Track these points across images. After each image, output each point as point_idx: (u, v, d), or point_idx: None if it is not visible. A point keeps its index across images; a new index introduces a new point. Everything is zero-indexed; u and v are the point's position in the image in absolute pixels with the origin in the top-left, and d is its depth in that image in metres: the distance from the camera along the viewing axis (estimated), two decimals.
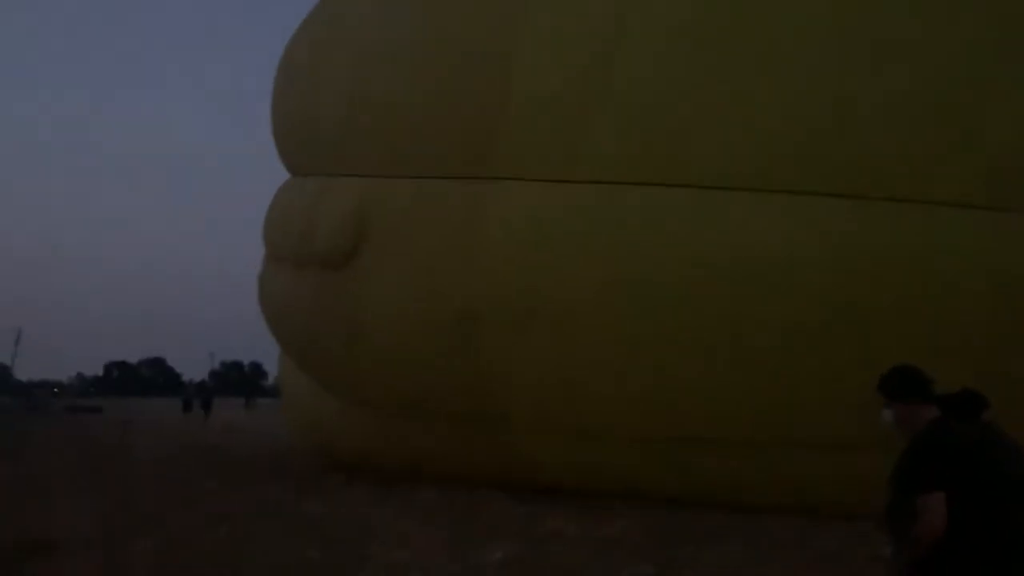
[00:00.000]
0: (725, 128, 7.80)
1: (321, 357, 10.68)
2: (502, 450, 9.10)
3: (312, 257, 10.41)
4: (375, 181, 9.72)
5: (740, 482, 8.15)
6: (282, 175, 12.42)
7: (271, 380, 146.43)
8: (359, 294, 9.69)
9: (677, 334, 7.76)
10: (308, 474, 10.93)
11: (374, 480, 10.07)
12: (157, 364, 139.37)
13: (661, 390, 7.90)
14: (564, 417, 8.60)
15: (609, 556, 5.96)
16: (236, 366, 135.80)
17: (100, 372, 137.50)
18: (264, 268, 12.77)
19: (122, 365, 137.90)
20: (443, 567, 5.62)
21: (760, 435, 7.86)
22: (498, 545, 6.22)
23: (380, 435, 10.36)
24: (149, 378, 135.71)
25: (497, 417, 8.89)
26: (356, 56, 10.11)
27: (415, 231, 9.16)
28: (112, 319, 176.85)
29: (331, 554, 5.91)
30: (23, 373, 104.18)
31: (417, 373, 9.30)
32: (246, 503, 8.47)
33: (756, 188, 7.69)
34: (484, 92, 8.58)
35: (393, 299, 9.34)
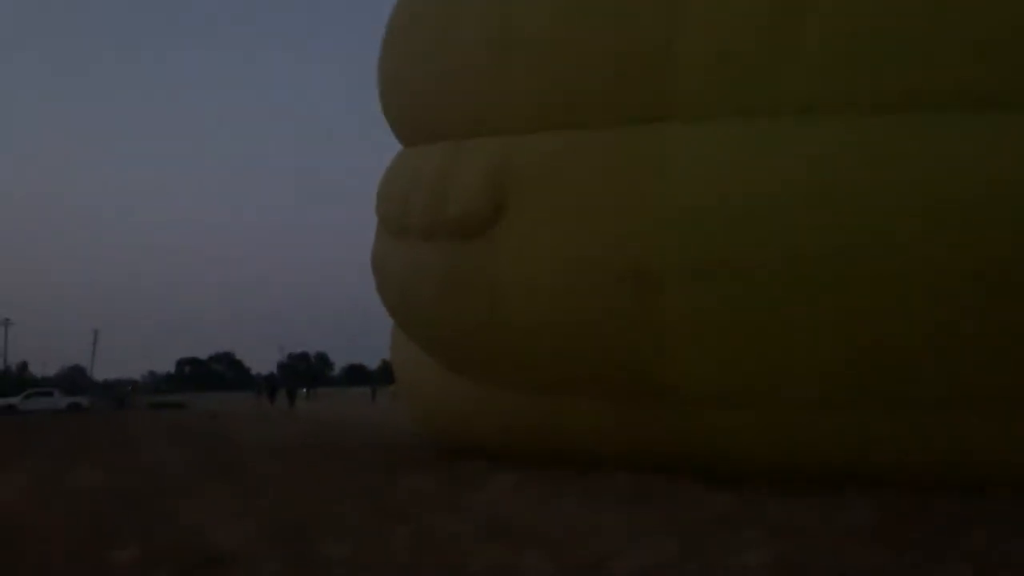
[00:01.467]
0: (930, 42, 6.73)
1: (455, 336, 9.68)
2: (673, 427, 8.04)
3: (443, 226, 9.41)
4: (518, 138, 8.70)
5: (974, 452, 7.02)
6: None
7: (336, 370, 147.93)
8: (502, 261, 8.69)
9: (903, 282, 6.62)
10: (449, 463, 9.98)
11: (523, 466, 9.09)
12: (226, 359, 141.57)
13: (885, 350, 6.78)
14: (753, 385, 7.51)
15: (891, 552, 4.89)
16: (303, 357, 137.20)
17: (172, 369, 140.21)
18: (379, 246, 11.84)
19: (193, 361, 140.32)
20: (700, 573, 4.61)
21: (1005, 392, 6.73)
22: (745, 542, 5.18)
23: (523, 418, 9.33)
24: (220, 373, 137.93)
25: (667, 389, 7.86)
26: None
27: (570, 187, 8.10)
28: (179, 315, 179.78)
29: (551, 560, 4.92)
30: (99, 373, 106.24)
31: (574, 344, 8.27)
32: (408, 496, 7.55)
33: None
34: (656, 20, 7.51)
35: (544, 263, 8.31)
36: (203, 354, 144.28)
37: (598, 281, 7.86)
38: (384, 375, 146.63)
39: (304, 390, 53.38)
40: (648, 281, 7.53)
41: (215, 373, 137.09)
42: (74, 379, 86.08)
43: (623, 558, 4.86)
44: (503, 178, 8.62)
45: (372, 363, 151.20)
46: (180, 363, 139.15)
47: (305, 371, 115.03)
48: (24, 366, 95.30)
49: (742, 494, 6.90)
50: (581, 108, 8.10)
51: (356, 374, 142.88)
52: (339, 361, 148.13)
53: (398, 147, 11.46)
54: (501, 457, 9.84)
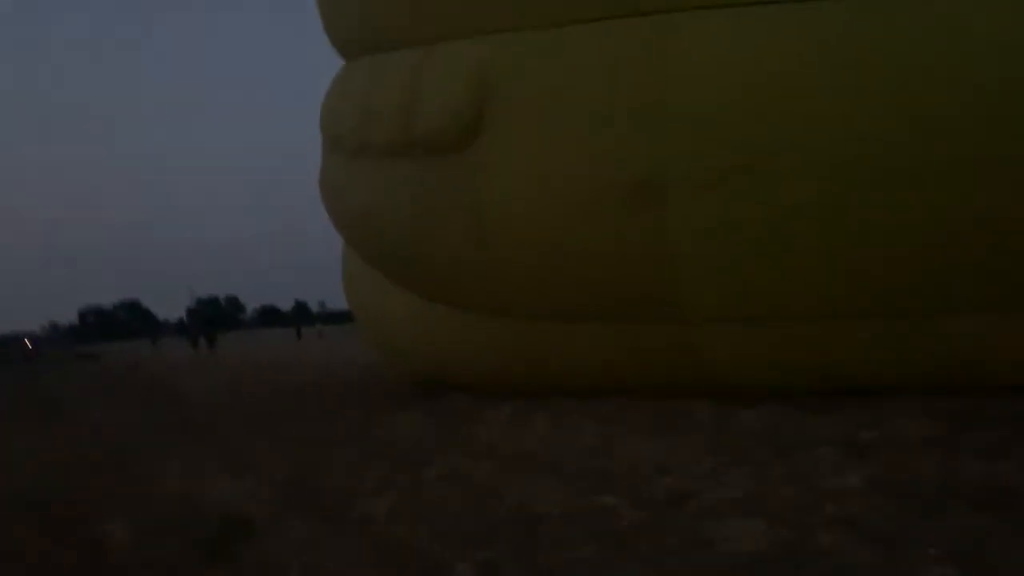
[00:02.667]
0: None
1: (434, 262, 8.88)
2: (680, 349, 7.49)
3: (415, 142, 8.57)
4: (499, 37, 7.86)
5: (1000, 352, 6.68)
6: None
7: (249, 312, 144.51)
8: (487, 177, 7.90)
9: (949, 176, 6.12)
10: (428, 398, 9.29)
11: (510, 398, 8.49)
12: (133, 307, 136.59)
13: (930, 251, 6.31)
14: (771, 299, 6.98)
15: (985, 462, 4.46)
16: (213, 301, 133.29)
17: (75, 320, 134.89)
18: (330, 168, 10.88)
19: (97, 311, 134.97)
20: (796, 500, 4.08)
21: None
22: (822, 462, 4.69)
23: (509, 346, 8.66)
24: (125, 321, 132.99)
25: (675, 308, 7.29)
26: None
27: (565, 90, 7.32)
28: (77, 264, 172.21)
29: (627, 499, 4.33)
30: None
31: (574, 264, 7.59)
32: (410, 437, 6.86)
33: None
34: None
35: (538, 177, 7.55)
36: (107, 302, 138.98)
37: (597, 194, 7.17)
38: (301, 314, 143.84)
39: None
40: (654, 193, 6.87)
41: (121, 322, 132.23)
42: None
43: (705, 491, 4.30)
44: (483, 84, 7.79)
45: (285, 304, 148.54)
46: (83, 313, 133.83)
47: (216, 315, 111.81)
48: None
49: (767, 414, 6.42)
50: (571, 0, 7.29)
51: (270, 316, 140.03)
52: (254, 303, 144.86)
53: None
54: (480, 389, 9.23)
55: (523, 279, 8.04)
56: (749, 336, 7.21)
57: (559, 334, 8.15)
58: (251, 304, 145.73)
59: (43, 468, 6.84)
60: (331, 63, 10.96)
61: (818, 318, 6.81)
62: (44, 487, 6.07)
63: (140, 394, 13.23)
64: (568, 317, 7.98)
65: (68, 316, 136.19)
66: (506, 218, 7.89)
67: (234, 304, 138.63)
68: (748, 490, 4.24)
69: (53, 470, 6.72)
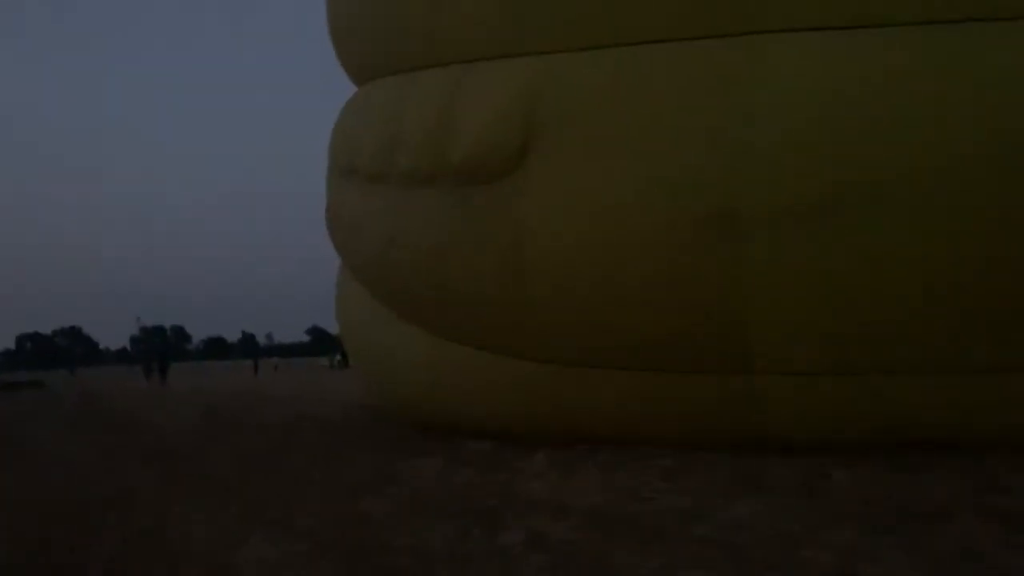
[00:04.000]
0: None
1: (459, 300, 8.19)
2: (743, 400, 6.92)
3: (449, 169, 7.95)
4: (550, 57, 7.31)
5: None
6: None
7: (195, 343, 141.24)
8: (531, 206, 7.29)
9: None
10: (455, 443, 8.51)
11: (534, 443, 7.83)
12: (73, 333, 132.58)
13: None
14: (852, 350, 6.41)
15: None
16: (158, 330, 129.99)
17: (12, 345, 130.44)
18: (342, 196, 10.18)
19: (35, 336, 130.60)
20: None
21: None
22: (981, 532, 4.12)
23: (543, 393, 7.98)
24: (66, 348, 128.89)
25: (745, 355, 6.73)
26: None
27: (629, 114, 6.76)
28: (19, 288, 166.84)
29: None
30: None
31: (629, 304, 6.99)
32: (455, 487, 6.12)
33: None
34: None
35: (591, 207, 6.96)
36: (46, 329, 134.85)
37: (663, 227, 6.60)
38: (247, 347, 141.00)
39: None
40: (729, 226, 6.33)
41: (61, 349, 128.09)
42: None
43: (866, 569, 3.69)
44: (531, 106, 7.21)
45: (232, 336, 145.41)
46: (21, 339, 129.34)
47: (163, 345, 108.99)
48: None
49: (864, 476, 5.84)
50: (636, 19, 6.77)
51: (217, 347, 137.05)
52: (201, 334, 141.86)
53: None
54: (497, 436, 8.52)
55: (565, 320, 7.39)
56: (820, 389, 6.64)
57: (601, 381, 7.50)
58: (197, 335, 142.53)
59: (21, 521, 5.95)
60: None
61: (903, 371, 6.29)
62: (26, 546, 5.20)
63: (114, 429, 12.19)
64: (615, 363, 7.32)
65: (3, 342, 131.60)
66: (549, 252, 7.27)
67: (180, 334, 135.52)
68: (919, 568, 3.64)
69: (32, 521, 5.83)
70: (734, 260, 6.38)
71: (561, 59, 7.16)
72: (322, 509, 5.79)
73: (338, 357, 45.63)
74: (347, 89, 10.72)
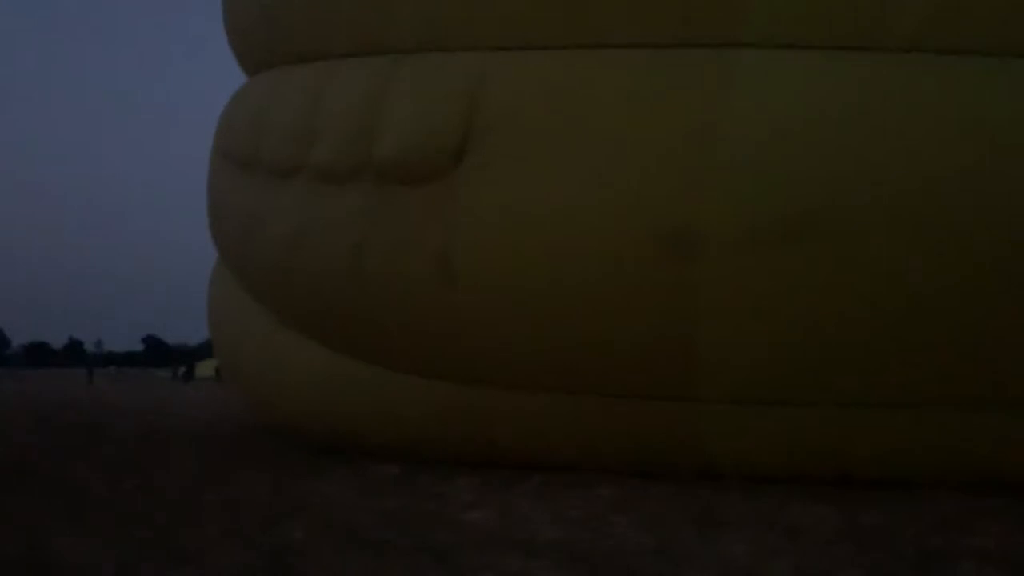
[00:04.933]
0: None
1: (370, 312, 7.48)
2: (683, 427, 6.52)
3: (366, 167, 7.26)
4: (496, 54, 6.77)
5: None
6: None
7: (13, 347, 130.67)
8: (463, 215, 6.75)
9: None
10: (355, 464, 7.68)
11: (451, 466, 7.20)
12: None
13: (1003, 340, 5.73)
14: (809, 379, 6.14)
15: None
16: None
17: None
18: (230, 196, 9.24)
19: None
20: None
21: None
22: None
23: (464, 416, 7.35)
24: None
25: (693, 381, 6.36)
26: None
27: (583, 120, 6.30)
28: None
29: None
30: None
31: (565, 323, 6.52)
32: (387, 518, 5.37)
33: None
34: None
35: (533, 217, 6.47)
36: None
37: (614, 241, 6.18)
38: (72, 354, 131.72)
39: None
40: (687, 245, 5.97)
41: None
42: None
43: None
44: (473, 105, 6.65)
45: (57, 342, 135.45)
46: None
47: None
48: None
49: (820, 506, 5.57)
50: (598, 19, 6.34)
51: (39, 353, 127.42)
52: (21, 338, 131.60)
53: None
54: (389, 455, 7.83)
55: (495, 337, 6.82)
56: (767, 421, 6.37)
57: (530, 404, 6.96)
58: (16, 339, 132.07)
59: None
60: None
61: (855, 403, 6.09)
62: None
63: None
64: (549, 385, 6.81)
65: None
66: (482, 263, 6.70)
67: None
68: None
69: None
70: (686, 281, 6.00)
71: (508, 56, 6.65)
72: (228, 539, 4.94)
73: (183, 369, 43.05)
74: None
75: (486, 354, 6.88)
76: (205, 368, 45.22)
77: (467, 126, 6.63)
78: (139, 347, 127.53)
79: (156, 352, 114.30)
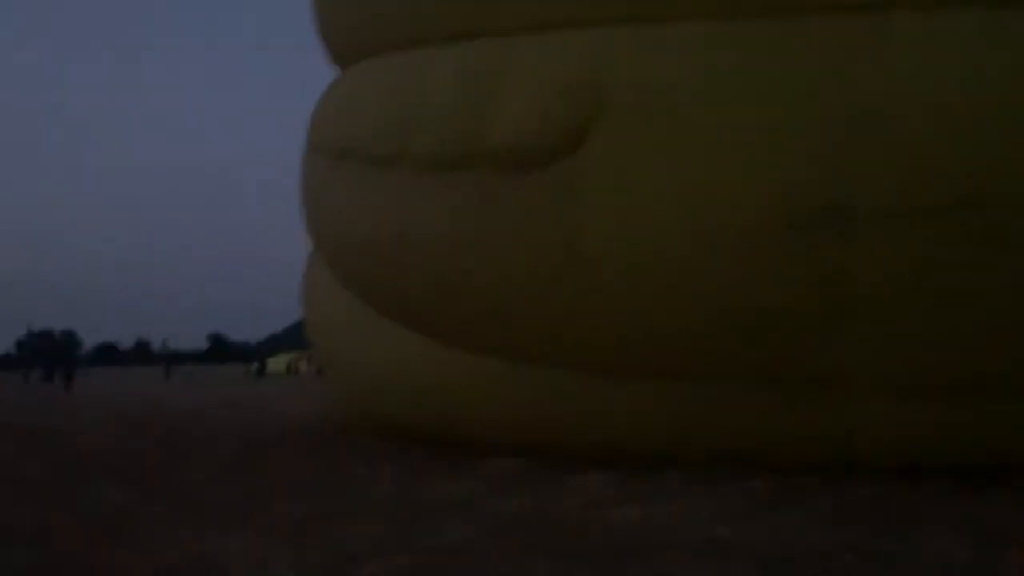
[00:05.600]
0: None
1: (484, 303, 7.18)
2: (823, 421, 6.11)
3: (477, 155, 6.95)
4: (623, 29, 6.38)
5: None
6: None
7: (85, 348, 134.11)
8: (593, 200, 6.34)
9: None
10: (472, 460, 7.40)
11: (584, 462, 6.88)
12: None
13: None
14: (962, 373, 5.70)
15: None
16: (47, 334, 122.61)
17: None
18: (325, 188, 9.02)
19: None
20: None
21: None
22: None
23: (582, 406, 7.05)
24: None
25: (839, 374, 5.95)
26: None
27: (714, 98, 5.91)
28: None
29: None
30: None
31: (710, 310, 6.09)
32: (530, 518, 5.09)
33: None
34: None
35: (663, 203, 6.11)
36: None
37: (759, 222, 5.76)
38: (140, 353, 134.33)
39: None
40: (840, 222, 5.54)
41: None
42: None
43: None
44: (600, 86, 6.27)
45: (125, 341, 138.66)
46: None
47: (56, 349, 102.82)
48: None
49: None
50: None
51: (107, 353, 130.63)
52: (93, 339, 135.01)
53: None
54: (503, 447, 7.54)
55: (631, 324, 6.45)
56: (918, 410, 5.93)
57: (660, 392, 6.62)
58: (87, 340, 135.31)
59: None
60: None
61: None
62: None
63: (55, 444, 10.50)
64: (683, 374, 6.44)
65: None
66: (615, 249, 6.33)
67: (70, 339, 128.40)
68: None
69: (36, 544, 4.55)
70: (838, 259, 5.58)
71: (637, 31, 6.25)
72: (387, 536, 4.70)
73: (256, 366, 43.48)
74: None
75: (617, 341, 6.55)
76: (275, 364, 45.71)
77: (592, 107, 6.28)
78: (204, 346, 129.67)
79: (221, 349, 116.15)
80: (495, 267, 6.90)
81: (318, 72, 10.51)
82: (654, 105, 6.05)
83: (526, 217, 6.67)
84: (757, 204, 5.69)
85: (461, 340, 7.61)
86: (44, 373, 34.41)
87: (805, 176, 5.56)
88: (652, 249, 6.09)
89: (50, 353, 61.82)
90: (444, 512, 5.29)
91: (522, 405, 7.34)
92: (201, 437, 10.86)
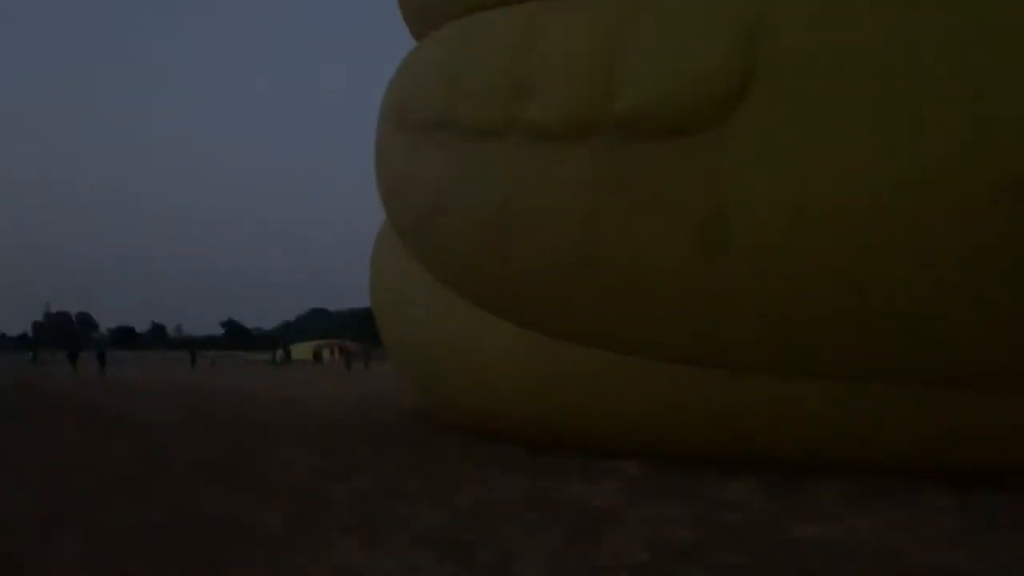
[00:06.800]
0: None
1: (608, 287, 6.43)
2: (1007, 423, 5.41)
3: (600, 121, 6.18)
4: None
5: None
6: None
7: (102, 331, 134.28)
8: (747, 172, 5.53)
9: None
10: (595, 466, 6.64)
11: (697, 463, 6.17)
12: None
13: None
14: None
15: None
16: (63, 317, 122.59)
17: None
18: (414, 163, 8.29)
19: None
20: None
21: None
22: None
23: (707, 402, 6.27)
24: None
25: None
26: None
27: (888, 54, 5.10)
28: None
29: None
30: None
31: (879, 299, 5.30)
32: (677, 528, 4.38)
33: None
34: None
35: (823, 175, 5.34)
36: None
37: (938, 198, 5.02)
38: (156, 337, 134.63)
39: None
40: None
41: None
42: None
43: None
44: (755, 42, 5.52)
45: (141, 325, 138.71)
46: None
47: (70, 332, 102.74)
48: None
49: None
50: None
51: (125, 337, 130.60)
52: (109, 322, 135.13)
53: None
54: (609, 450, 6.84)
55: (772, 314, 5.70)
56: None
57: (803, 391, 5.86)
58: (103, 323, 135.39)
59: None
60: None
61: None
62: None
63: (120, 428, 9.81)
64: (831, 371, 5.67)
65: None
66: (762, 227, 5.58)
67: (86, 322, 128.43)
68: None
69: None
70: None
71: None
72: (563, 552, 3.99)
73: (281, 353, 42.97)
74: None
75: (753, 334, 5.80)
76: (300, 352, 45.21)
77: (747, 68, 5.53)
78: (219, 332, 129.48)
79: (237, 336, 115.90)
80: (627, 247, 6.16)
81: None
82: (823, 63, 5.30)
83: (650, 193, 5.93)
84: (935, 179, 4.95)
85: (579, 332, 6.83)
86: (70, 356, 34.11)
87: (995, 150, 4.83)
88: (803, 228, 5.35)
89: (74, 336, 61.63)
90: (603, 523, 4.58)
91: (635, 403, 6.59)
92: (274, 427, 10.20)
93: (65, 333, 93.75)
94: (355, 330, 55.88)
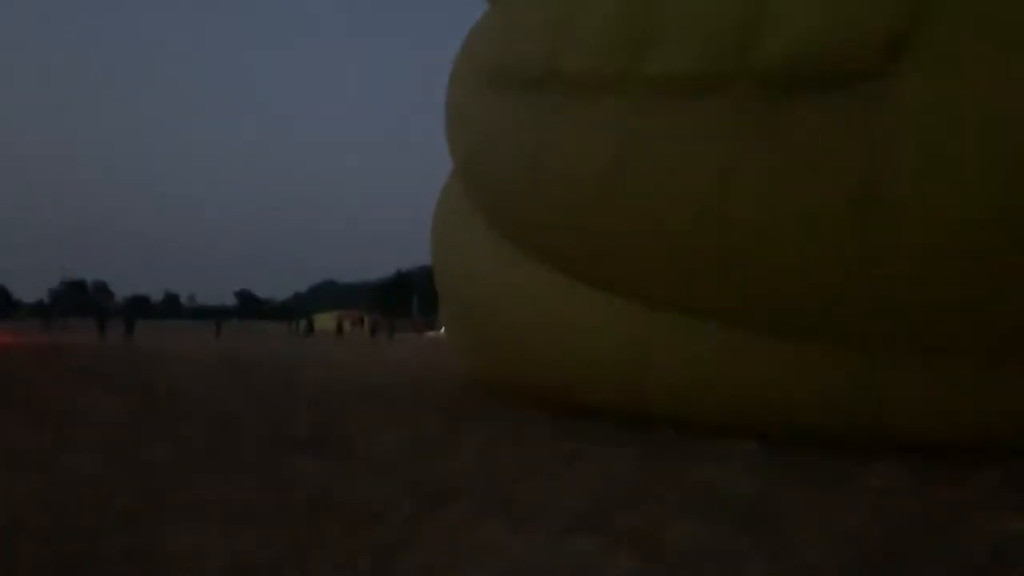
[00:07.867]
0: None
1: (735, 253, 5.87)
2: None
3: (737, 78, 5.67)
4: None
5: None
6: None
7: (118, 299, 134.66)
8: (911, 130, 5.04)
9: None
10: (711, 446, 6.18)
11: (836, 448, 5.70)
12: None
13: None
14: None
15: None
16: (78, 285, 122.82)
17: None
18: (496, 119, 7.78)
19: None
20: None
21: None
22: None
23: (838, 382, 5.81)
24: None
25: None
26: None
27: None
28: None
29: None
30: None
31: None
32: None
33: None
34: None
35: (1002, 132, 4.85)
36: None
37: None
38: (170, 306, 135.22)
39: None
40: None
41: None
42: None
43: None
44: None
45: (156, 295, 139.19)
46: None
47: (95, 301, 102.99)
48: None
49: None
50: None
51: (139, 306, 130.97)
52: (124, 291, 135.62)
53: None
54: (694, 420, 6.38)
55: (916, 291, 5.21)
56: None
57: (948, 371, 5.38)
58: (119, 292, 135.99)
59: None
60: None
61: None
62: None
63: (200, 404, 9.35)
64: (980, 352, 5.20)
65: None
66: (926, 194, 5.06)
67: (102, 290, 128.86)
68: None
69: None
70: None
71: None
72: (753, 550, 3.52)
73: (304, 323, 42.66)
74: None
75: (891, 311, 5.31)
76: (323, 322, 44.95)
77: (913, 11, 5.00)
78: (232, 302, 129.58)
79: (250, 305, 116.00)
80: (766, 211, 5.64)
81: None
82: (1001, 4, 4.76)
83: (815, 149, 5.40)
84: None
85: (694, 303, 6.34)
86: (99, 323, 34.37)
87: None
88: (980, 197, 4.82)
89: (101, 305, 62.03)
90: (750, 514, 4.10)
91: (759, 383, 6.12)
92: (331, 397, 9.77)
93: (87, 302, 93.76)
94: (365, 301, 55.46)
